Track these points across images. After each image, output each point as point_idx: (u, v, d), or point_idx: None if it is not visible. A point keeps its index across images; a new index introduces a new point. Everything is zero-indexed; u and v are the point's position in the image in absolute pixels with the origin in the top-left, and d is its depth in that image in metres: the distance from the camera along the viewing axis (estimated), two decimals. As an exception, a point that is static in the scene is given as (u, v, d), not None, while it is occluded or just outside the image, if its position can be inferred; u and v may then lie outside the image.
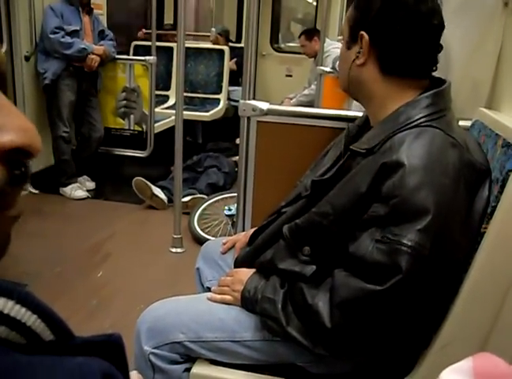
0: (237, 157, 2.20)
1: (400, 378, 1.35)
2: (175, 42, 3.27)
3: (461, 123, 1.42)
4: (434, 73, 1.33)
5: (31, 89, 4.34)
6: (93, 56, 4.32)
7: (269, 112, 1.94)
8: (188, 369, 1.43)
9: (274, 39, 7.21)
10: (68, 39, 4.19)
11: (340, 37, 4.96)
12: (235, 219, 2.19)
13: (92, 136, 4.57)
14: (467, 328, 1.26)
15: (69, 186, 4.40)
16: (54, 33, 4.16)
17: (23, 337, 0.45)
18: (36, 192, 4.44)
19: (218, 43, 6.37)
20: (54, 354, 0.46)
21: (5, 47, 4.12)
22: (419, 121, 1.22)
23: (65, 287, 2.96)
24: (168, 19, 6.99)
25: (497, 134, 1.33)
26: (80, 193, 4.42)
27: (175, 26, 5.53)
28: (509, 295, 1.20)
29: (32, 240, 3.53)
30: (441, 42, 1.28)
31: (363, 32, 1.27)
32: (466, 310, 1.24)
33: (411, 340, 1.29)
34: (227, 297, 1.44)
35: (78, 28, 4.29)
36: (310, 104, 5.13)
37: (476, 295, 1.23)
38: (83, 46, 4.24)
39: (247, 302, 1.39)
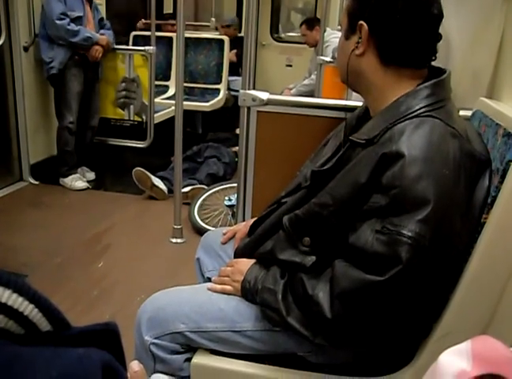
0: (237, 147, 2.19)
1: (401, 368, 1.36)
2: (175, 32, 3.26)
3: (461, 113, 1.42)
4: (433, 63, 1.32)
5: (30, 79, 4.32)
6: (97, 47, 4.28)
7: (269, 102, 1.93)
8: (189, 359, 1.44)
9: (274, 29, 7.18)
10: (74, 27, 4.13)
11: (340, 27, 4.94)
12: (235, 210, 2.19)
13: (90, 126, 4.54)
14: (467, 317, 1.26)
15: (70, 177, 4.38)
16: (61, 19, 4.07)
17: (21, 327, 0.45)
18: (36, 183, 4.44)
19: (226, 35, 6.30)
20: (53, 345, 0.46)
21: (3, 38, 4.11)
22: (419, 112, 1.21)
23: (65, 277, 2.97)
24: (168, 8, 6.96)
25: (497, 124, 1.33)
26: (81, 184, 4.41)
27: (174, 16, 5.50)
28: (509, 285, 1.21)
29: (31, 231, 3.54)
30: (440, 31, 1.27)
31: (362, 22, 1.26)
32: (466, 300, 1.25)
33: (411, 330, 1.29)
34: (228, 287, 1.45)
35: (82, 15, 4.21)
36: (310, 94, 5.12)
37: (476, 285, 1.23)
38: (88, 34, 4.19)
39: (247, 292, 1.39)
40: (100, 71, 4.56)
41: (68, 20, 4.10)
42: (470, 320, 1.26)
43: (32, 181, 4.45)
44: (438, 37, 1.28)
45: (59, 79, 4.21)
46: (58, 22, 4.07)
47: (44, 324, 0.46)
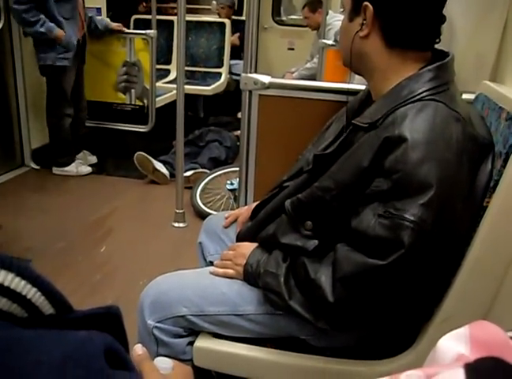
0: (239, 131, 2.19)
1: (402, 351, 1.36)
2: (176, 15, 3.23)
3: (464, 96, 1.41)
4: (437, 46, 1.31)
5: (30, 64, 4.28)
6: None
7: (270, 86, 1.92)
8: (191, 343, 1.45)
9: (276, 12, 7.12)
10: (32, 16, 3.78)
11: (342, 9, 4.90)
12: (237, 194, 2.19)
13: (81, 109, 4.44)
14: (468, 301, 1.27)
15: (73, 164, 4.35)
16: (19, 3, 3.74)
17: (24, 310, 0.45)
18: (38, 168, 4.44)
19: (221, 15, 6.29)
20: (56, 328, 0.46)
21: (2, 22, 4.08)
22: (421, 95, 1.20)
23: (68, 262, 2.98)
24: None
25: (501, 107, 1.32)
26: (86, 169, 4.39)
27: (175, -1, 5.46)
28: (510, 269, 1.21)
29: (34, 216, 3.55)
30: (444, 13, 1.26)
31: (367, 3, 1.25)
32: (468, 284, 1.25)
33: (413, 314, 1.30)
34: (230, 271, 1.45)
35: None
36: (312, 78, 5.09)
37: (478, 269, 1.23)
38: (43, 29, 3.83)
39: (250, 276, 1.40)
40: (85, 55, 4.35)
41: (28, 6, 3.76)
42: (471, 304, 1.27)
43: (34, 166, 4.45)
44: (443, 19, 1.27)
45: (53, 70, 4.05)
46: (14, 6, 3.79)
47: (47, 308, 0.47)
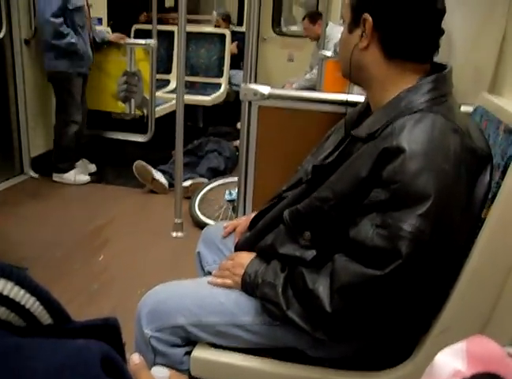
0: (238, 141, 2.19)
1: (400, 363, 1.36)
2: (176, 25, 3.25)
3: (463, 108, 1.42)
4: (435, 59, 1.32)
5: (31, 73, 4.30)
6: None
7: (270, 96, 1.93)
8: (189, 353, 1.44)
9: (276, 23, 7.16)
10: (65, 29, 3.95)
11: (341, 21, 4.92)
12: (235, 204, 2.19)
13: (83, 119, 4.48)
14: (466, 313, 1.27)
15: (72, 171, 4.36)
16: (56, 17, 3.89)
17: (22, 319, 0.45)
18: (36, 176, 4.44)
19: (220, 27, 6.33)
20: (53, 337, 0.46)
21: (4, 31, 4.09)
22: (420, 107, 1.21)
23: (65, 270, 2.97)
24: (169, 2, 6.94)
25: (499, 120, 1.33)
26: (84, 178, 4.41)
27: (176, 9, 5.48)
28: (508, 280, 1.21)
29: (32, 224, 3.54)
30: (442, 26, 1.27)
31: (366, 15, 1.26)
32: (466, 295, 1.25)
33: (410, 325, 1.30)
34: (228, 281, 1.45)
35: (83, 4, 4.10)
36: (312, 89, 5.11)
37: (475, 280, 1.23)
38: (73, 40, 4.00)
39: (248, 285, 1.40)
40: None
41: (62, 19, 3.92)
42: (470, 315, 1.27)
43: (33, 174, 4.45)
44: (441, 32, 1.28)
45: (65, 77, 4.12)
46: (51, 19, 3.88)
47: (45, 317, 0.47)
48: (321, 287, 1.23)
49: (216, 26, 6.38)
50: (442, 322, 1.27)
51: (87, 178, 4.43)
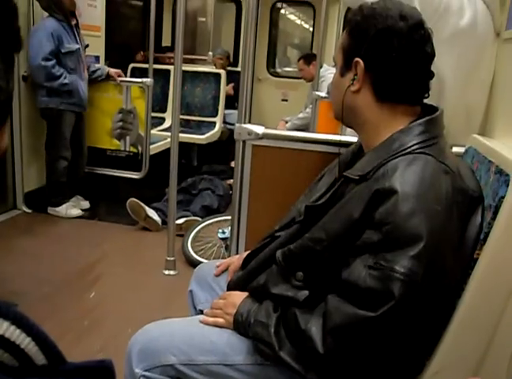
0: (231, 180, 2.21)
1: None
2: (172, 64, 3.30)
3: (454, 149, 1.44)
4: (426, 101, 1.34)
5: (27, 109, 4.33)
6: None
7: (264, 136, 1.95)
8: (179, 393, 1.42)
9: (271, 64, 7.27)
10: (58, 70, 4.08)
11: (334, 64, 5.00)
12: (228, 242, 2.19)
13: (82, 155, 4.55)
14: (460, 354, 1.26)
15: (64, 205, 4.38)
16: (47, 60, 4.01)
17: (15, 360, 0.45)
18: (29, 211, 4.43)
19: (217, 66, 6.42)
20: (47, 378, 0.45)
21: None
22: (411, 148, 1.23)
23: (55, 307, 2.93)
24: (166, 41, 7.05)
25: (490, 161, 1.34)
26: (76, 211, 4.42)
27: (172, 48, 5.57)
28: (501, 321, 1.20)
29: (23, 259, 3.51)
30: (432, 69, 1.31)
31: (358, 59, 1.28)
32: (459, 336, 1.24)
33: (404, 366, 1.28)
34: (220, 320, 1.44)
35: (78, 47, 4.21)
36: (304, 128, 5.16)
37: (469, 321, 1.23)
38: (66, 81, 4.13)
39: (240, 325, 1.39)
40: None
41: (54, 61, 4.05)
42: (463, 357, 1.26)
43: (26, 209, 4.44)
44: (431, 75, 1.31)
45: (55, 114, 4.22)
46: (43, 63, 4.00)
47: (40, 358, 0.46)
48: (314, 328, 1.22)
49: (216, 65, 6.47)
50: (435, 363, 1.26)
51: (78, 211, 4.44)
